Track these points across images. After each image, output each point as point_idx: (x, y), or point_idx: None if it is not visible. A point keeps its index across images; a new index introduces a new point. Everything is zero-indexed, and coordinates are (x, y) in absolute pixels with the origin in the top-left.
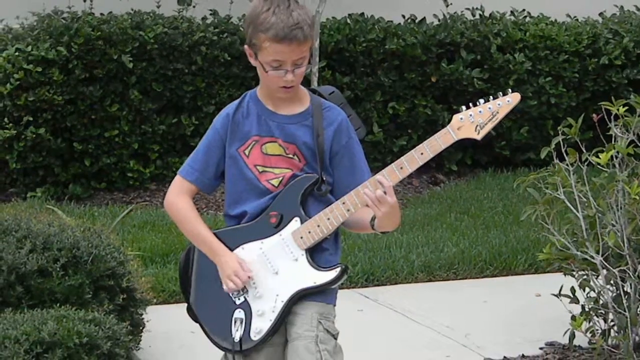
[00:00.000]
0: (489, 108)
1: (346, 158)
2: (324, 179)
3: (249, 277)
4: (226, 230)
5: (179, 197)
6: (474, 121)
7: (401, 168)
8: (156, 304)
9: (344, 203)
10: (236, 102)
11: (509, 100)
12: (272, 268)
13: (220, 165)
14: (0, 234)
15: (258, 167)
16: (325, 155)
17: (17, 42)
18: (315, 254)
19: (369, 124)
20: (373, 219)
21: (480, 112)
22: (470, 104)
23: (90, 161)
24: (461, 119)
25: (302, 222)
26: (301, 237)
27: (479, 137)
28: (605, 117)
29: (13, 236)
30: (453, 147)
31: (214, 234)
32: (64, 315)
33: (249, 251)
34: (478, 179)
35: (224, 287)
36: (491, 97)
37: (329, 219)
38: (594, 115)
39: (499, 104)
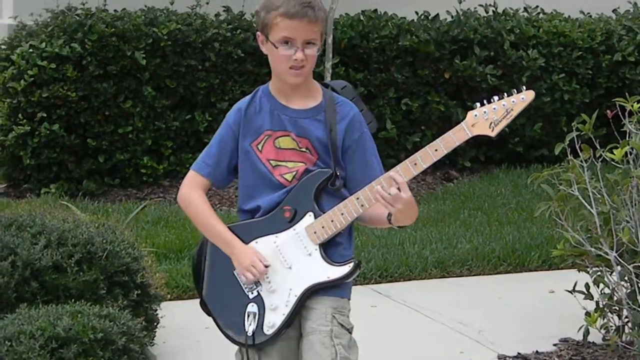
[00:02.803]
0: (503, 105)
1: (358, 152)
2: (338, 173)
3: (266, 267)
4: (240, 225)
5: (192, 191)
6: (488, 118)
7: (415, 164)
8: (170, 299)
9: (357, 198)
10: (248, 97)
11: (523, 98)
12: (286, 262)
13: (233, 160)
14: (15, 230)
15: (271, 162)
16: (337, 150)
17: (31, 38)
18: (329, 248)
19: (382, 120)
20: (390, 214)
21: (494, 109)
22: (485, 101)
23: (104, 157)
24: (475, 115)
25: (315, 217)
26: (315, 232)
27: (493, 134)
28: (620, 113)
29: (28, 232)
30: (466, 143)
31: (229, 227)
32: (78, 310)
33: (263, 245)
34: (491, 175)
35: (241, 279)
36: (505, 94)
37: (342, 214)
38: (608, 111)
39: (513, 102)
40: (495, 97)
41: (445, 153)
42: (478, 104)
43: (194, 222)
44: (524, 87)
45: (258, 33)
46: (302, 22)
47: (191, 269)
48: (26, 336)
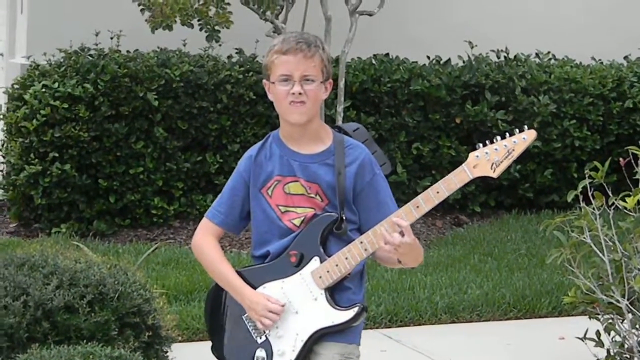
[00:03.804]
0: (505, 145)
1: (372, 195)
2: (345, 217)
3: (282, 307)
4: (249, 270)
5: (204, 239)
6: (489, 159)
7: (417, 207)
8: (180, 341)
9: (361, 242)
10: (259, 143)
11: (525, 137)
12: (293, 307)
13: (245, 207)
14: (28, 270)
15: (280, 207)
16: (347, 193)
17: (43, 78)
18: (337, 293)
19: (393, 164)
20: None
21: (496, 149)
22: (487, 142)
23: (114, 198)
24: (477, 156)
25: (321, 262)
26: (320, 277)
27: (494, 175)
28: (633, 160)
29: (40, 272)
30: (477, 188)
31: (237, 272)
32: (90, 351)
33: (270, 290)
34: (501, 220)
35: (259, 325)
36: (507, 134)
37: (347, 258)
38: (621, 159)
39: (514, 142)
40: (498, 137)
41: (447, 195)
42: (480, 145)
43: (207, 270)
44: (526, 127)
45: (264, 81)
46: (297, 57)
47: (204, 314)
48: None
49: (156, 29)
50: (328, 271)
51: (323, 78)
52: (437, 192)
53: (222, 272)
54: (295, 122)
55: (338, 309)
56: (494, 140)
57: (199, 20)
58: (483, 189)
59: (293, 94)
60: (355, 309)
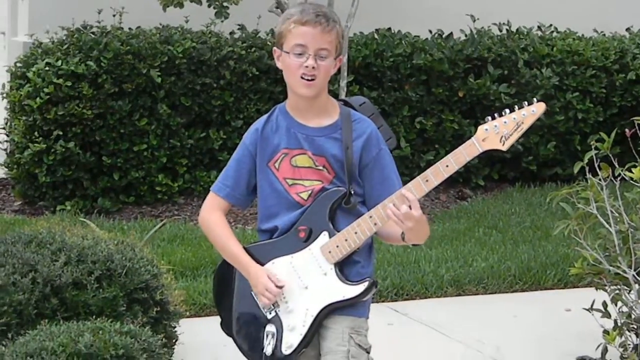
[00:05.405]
0: (514, 118)
1: (377, 170)
2: (353, 191)
3: (280, 288)
4: (257, 246)
5: (211, 214)
6: (498, 132)
7: (427, 181)
8: (188, 317)
9: (371, 217)
10: (265, 116)
11: (534, 110)
12: (302, 282)
13: (252, 180)
14: (35, 247)
15: (287, 180)
16: (354, 168)
17: (46, 56)
18: (346, 267)
19: (397, 138)
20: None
21: (505, 122)
22: (496, 115)
23: (119, 175)
24: (486, 130)
25: (330, 236)
26: (329, 252)
27: (504, 148)
28: (638, 131)
29: (48, 249)
30: (480, 162)
31: (246, 249)
32: (100, 327)
33: (279, 266)
34: (505, 193)
35: (259, 302)
36: (516, 107)
37: (356, 232)
38: (627, 130)
39: (523, 114)
40: (506, 110)
41: (456, 169)
42: (489, 118)
43: (213, 244)
44: (535, 99)
45: (274, 48)
46: (315, 29)
47: (212, 289)
48: (48, 352)
49: (167, 6)
50: (337, 246)
51: (336, 54)
52: (447, 166)
53: (230, 249)
54: (303, 94)
55: (348, 284)
56: (503, 114)
57: None
58: (486, 162)
59: (306, 67)
60: (366, 284)
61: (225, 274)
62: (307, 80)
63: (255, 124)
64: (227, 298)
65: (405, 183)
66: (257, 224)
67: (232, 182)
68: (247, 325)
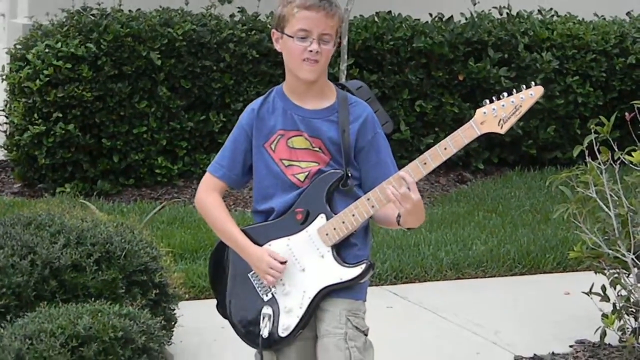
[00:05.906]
0: (512, 102)
1: (372, 153)
2: (350, 174)
3: (284, 264)
4: (254, 227)
5: (208, 195)
6: (497, 115)
7: (425, 164)
8: (187, 299)
9: (368, 199)
10: (262, 97)
11: (532, 94)
12: (299, 265)
13: (248, 161)
14: (34, 229)
15: (284, 161)
16: (350, 151)
17: (46, 38)
18: (343, 249)
19: (396, 122)
20: (399, 215)
21: (503, 105)
22: (494, 98)
23: (118, 157)
24: (484, 113)
25: (327, 219)
26: (327, 234)
27: (502, 131)
28: (638, 115)
29: (47, 231)
30: (480, 145)
31: (243, 230)
32: (99, 309)
33: (276, 248)
34: (505, 177)
35: (263, 282)
36: (514, 91)
37: (353, 215)
38: (627, 113)
39: (522, 98)
40: (505, 94)
41: (454, 152)
42: (487, 101)
43: (210, 225)
44: (533, 83)
45: (273, 30)
46: (319, 14)
47: (208, 272)
48: (47, 334)
49: None
50: (335, 228)
51: (337, 39)
52: (445, 149)
53: (227, 230)
54: (305, 78)
55: (345, 266)
56: (501, 97)
57: None
58: (486, 145)
59: (310, 51)
60: (363, 266)
61: (221, 256)
62: (311, 61)
63: (251, 104)
64: (223, 280)
65: (404, 166)
66: (253, 205)
67: (227, 162)
68: (244, 308)
